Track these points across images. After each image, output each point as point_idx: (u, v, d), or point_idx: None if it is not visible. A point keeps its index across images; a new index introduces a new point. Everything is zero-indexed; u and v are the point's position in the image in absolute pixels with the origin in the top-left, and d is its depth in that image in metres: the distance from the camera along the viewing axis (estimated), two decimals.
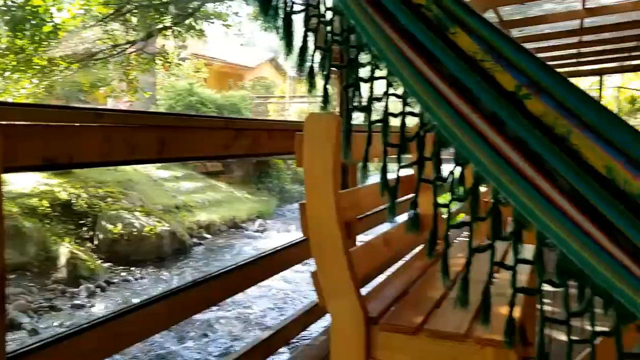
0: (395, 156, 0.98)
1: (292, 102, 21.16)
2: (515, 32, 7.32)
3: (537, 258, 0.81)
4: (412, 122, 0.97)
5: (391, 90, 0.95)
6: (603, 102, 14.56)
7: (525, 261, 0.84)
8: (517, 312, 1.47)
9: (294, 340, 2.69)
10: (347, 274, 1.44)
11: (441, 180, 0.92)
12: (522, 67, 0.79)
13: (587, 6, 6.06)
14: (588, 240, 0.74)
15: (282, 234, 10.16)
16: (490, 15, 6.18)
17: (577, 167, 0.75)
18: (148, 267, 7.74)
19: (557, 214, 0.75)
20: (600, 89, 13.14)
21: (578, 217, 0.74)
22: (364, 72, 0.98)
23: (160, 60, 14.01)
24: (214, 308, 5.75)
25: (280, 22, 0.99)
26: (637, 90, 17.90)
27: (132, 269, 7.58)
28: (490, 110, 0.80)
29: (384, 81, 0.95)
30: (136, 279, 7.27)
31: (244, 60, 22.81)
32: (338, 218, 1.45)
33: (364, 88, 0.98)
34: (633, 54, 9.67)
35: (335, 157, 1.43)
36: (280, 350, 2.49)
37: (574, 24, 6.92)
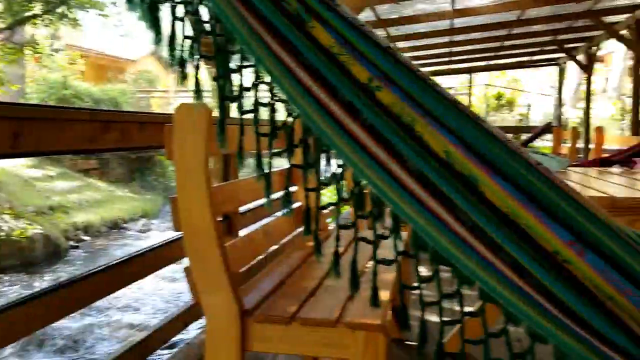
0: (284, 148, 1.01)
1: (178, 96, 20.53)
2: (392, 31, 7.63)
3: (393, 232, 0.90)
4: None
5: (262, 80, 0.97)
6: (473, 99, 15.65)
7: (383, 237, 0.91)
8: (385, 289, 1.54)
9: (174, 340, 2.62)
10: (221, 267, 1.42)
11: (310, 166, 0.95)
12: (374, 60, 0.85)
13: (455, 7, 6.45)
14: (432, 217, 0.82)
15: (167, 233, 9.86)
16: (367, 14, 6.39)
17: (422, 151, 0.82)
18: (19, 273, 7.17)
19: (405, 194, 0.83)
20: (470, 87, 14.08)
21: (424, 196, 0.82)
22: (234, 62, 0.99)
23: (30, 50, 13.01)
24: (92, 314, 5.45)
25: (145, 10, 0.96)
26: (503, 87, 19.39)
27: (0, 276, 6.98)
28: (348, 100, 0.85)
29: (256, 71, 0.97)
30: (5, 287, 6.71)
31: (125, 52, 21.82)
32: (212, 212, 1.43)
33: (239, 77, 0.99)
34: (498, 53, 10.46)
35: (207, 148, 1.40)
36: (160, 352, 2.41)
37: (445, 23, 7.35)
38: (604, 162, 3.20)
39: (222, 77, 0.98)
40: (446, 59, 10.71)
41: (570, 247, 0.78)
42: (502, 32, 8.41)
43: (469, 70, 13.11)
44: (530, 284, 0.79)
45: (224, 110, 0.97)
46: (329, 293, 1.63)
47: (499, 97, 19.09)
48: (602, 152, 4.32)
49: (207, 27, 0.97)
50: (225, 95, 0.96)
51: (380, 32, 7.75)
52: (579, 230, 0.79)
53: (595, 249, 0.78)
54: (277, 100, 0.96)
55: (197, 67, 0.98)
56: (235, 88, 0.97)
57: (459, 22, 7.35)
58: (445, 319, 0.90)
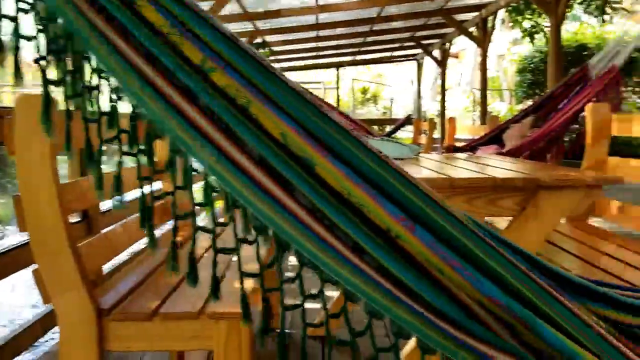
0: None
1: (34, 90, 18.89)
2: (260, 24, 7.65)
3: (230, 219, 0.88)
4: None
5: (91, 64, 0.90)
6: (341, 93, 16.16)
7: (221, 224, 0.89)
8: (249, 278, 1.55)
9: (34, 346, 2.44)
10: (74, 267, 1.35)
11: (142, 153, 0.91)
12: (207, 41, 0.83)
13: (319, 3, 6.60)
14: (272, 200, 0.82)
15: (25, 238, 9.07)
16: (233, 7, 6.35)
17: (260, 134, 0.82)
18: None
19: (245, 178, 0.82)
20: (337, 81, 14.51)
21: (263, 179, 0.82)
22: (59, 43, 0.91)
23: None
24: None
25: None
26: (368, 82, 20.22)
27: None
28: (184, 82, 0.83)
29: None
30: None
31: None
32: (62, 210, 1.35)
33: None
34: (362, 49, 10.88)
35: (52, 142, 1.32)
36: None
37: (311, 18, 7.51)
38: (455, 149, 3.49)
39: (43, 59, 0.90)
40: (314, 54, 10.94)
41: (401, 223, 0.81)
42: (365, 28, 8.76)
43: (336, 65, 13.51)
44: (367, 262, 0.81)
45: (48, 95, 0.90)
46: (195, 287, 1.61)
47: (364, 91, 19.90)
48: (454, 140, 4.68)
49: (26, 6, 0.89)
50: (48, 80, 0.90)
51: (247, 25, 7.71)
52: (408, 207, 0.82)
53: (424, 224, 0.82)
54: (115, 90, 0.89)
55: (16, 49, 0.90)
56: (60, 71, 0.90)
57: (323, 17, 7.53)
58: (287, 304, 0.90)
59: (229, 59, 0.83)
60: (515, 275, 0.83)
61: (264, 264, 0.90)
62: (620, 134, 2.38)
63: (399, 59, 13.44)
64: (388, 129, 8.43)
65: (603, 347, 0.83)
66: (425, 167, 1.83)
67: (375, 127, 10.43)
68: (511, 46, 17.27)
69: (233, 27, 7.47)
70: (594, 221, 2.62)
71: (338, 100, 15.93)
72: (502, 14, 11.52)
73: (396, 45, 11.04)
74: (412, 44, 10.79)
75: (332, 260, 0.81)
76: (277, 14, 6.75)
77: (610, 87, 3.28)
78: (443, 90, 10.92)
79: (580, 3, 10.31)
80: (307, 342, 0.90)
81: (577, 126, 3.56)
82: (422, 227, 0.82)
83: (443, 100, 10.93)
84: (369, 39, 9.80)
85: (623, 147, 8.75)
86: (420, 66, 12.73)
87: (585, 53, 9.33)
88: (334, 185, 0.82)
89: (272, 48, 9.45)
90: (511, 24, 11.17)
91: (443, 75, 10.81)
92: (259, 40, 8.38)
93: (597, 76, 3.36)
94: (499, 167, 1.87)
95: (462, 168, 1.85)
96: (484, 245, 0.84)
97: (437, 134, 7.60)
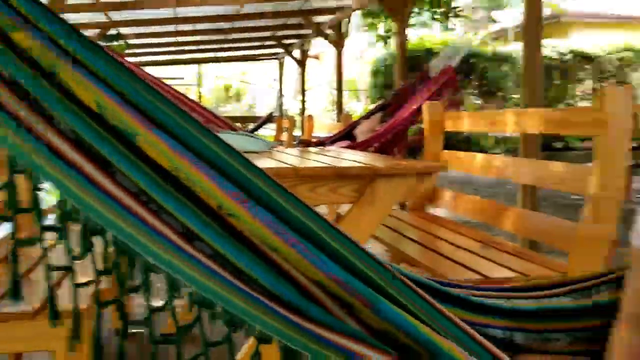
0: None
1: None
2: (115, 15, 7.28)
3: (35, 205, 0.79)
4: None
5: None
6: (203, 90, 15.83)
7: (23, 210, 0.80)
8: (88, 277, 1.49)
9: None
10: None
11: None
12: None
13: None
14: (85, 181, 0.73)
15: None
16: None
17: (71, 103, 0.74)
18: None
19: (50, 154, 0.73)
20: (199, 77, 14.28)
21: (74, 156, 0.74)
22: None
23: None
24: None
25: None
26: (231, 79, 20.11)
27: None
28: None
29: None
30: None
31: None
32: None
33: None
34: (223, 46, 10.80)
35: None
36: None
37: (169, 12, 7.30)
38: (309, 144, 3.64)
39: None
40: (174, 49, 10.65)
41: (234, 199, 0.75)
42: (226, 25, 8.69)
43: (198, 61, 13.26)
44: (196, 247, 0.75)
45: None
46: (33, 286, 1.53)
47: (227, 89, 19.77)
48: (312, 137, 4.84)
49: None
50: None
51: (99, 16, 7.30)
52: (243, 182, 0.77)
53: (260, 200, 0.77)
54: None
55: None
56: None
57: (182, 11, 7.36)
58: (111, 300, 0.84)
59: (30, 16, 0.74)
60: (356, 254, 0.80)
61: (76, 257, 0.81)
62: (454, 129, 2.63)
63: (261, 58, 13.53)
64: (251, 126, 8.48)
65: (443, 323, 0.81)
66: (276, 159, 1.90)
67: (239, 124, 10.42)
68: (367, 49, 18.13)
69: (83, 18, 7.04)
70: (434, 210, 2.87)
71: (200, 97, 15.66)
72: (358, 18, 12.06)
73: (257, 43, 11.09)
74: (273, 43, 10.91)
75: (156, 245, 0.74)
76: (131, 5, 6.46)
77: (447, 87, 3.61)
78: (303, 89, 11.21)
79: (428, 10, 11.11)
80: (126, 341, 0.84)
81: (421, 125, 3.86)
82: (257, 203, 0.76)
83: (303, 100, 11.22)
84: (231, 36, 9.74)
85: (463, 144, 9.62)
86: (281, 65, 12.94)
87: (432, 57, 10.08)
88: (158, 160, 0.75)
89: (127, 41, 9.05)
90: (366, 27, 11.74)
91: (303, 75, 11.09)
92: (113, 32, 7.98)
93: (435, 76, 3.68)
94: (343, 158, 1.99)
95: (311, 160, 1.95)
96: (324, 224, 0.80)
97: (298, 132, 7.79)
